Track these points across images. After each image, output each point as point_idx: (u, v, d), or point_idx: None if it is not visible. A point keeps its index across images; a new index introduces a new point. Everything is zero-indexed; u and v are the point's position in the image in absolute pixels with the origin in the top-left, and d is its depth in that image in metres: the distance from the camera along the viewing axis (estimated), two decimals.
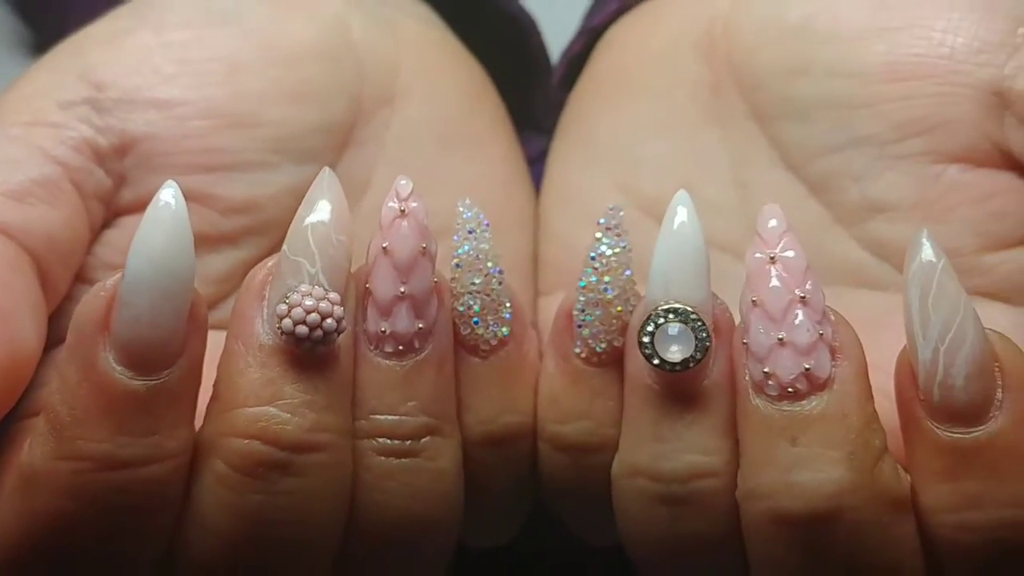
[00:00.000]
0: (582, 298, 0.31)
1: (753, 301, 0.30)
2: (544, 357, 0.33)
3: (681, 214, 0.30)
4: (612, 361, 0.32)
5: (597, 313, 0.31)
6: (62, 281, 0.33)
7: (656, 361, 0.30)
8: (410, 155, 0.37)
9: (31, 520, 0.29)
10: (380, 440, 0.30)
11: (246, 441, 0.29)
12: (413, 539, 0.31)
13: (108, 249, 0.34)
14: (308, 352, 0.29)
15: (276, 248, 0.34)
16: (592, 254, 0.31)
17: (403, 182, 0.31)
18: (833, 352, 0.29)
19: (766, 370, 0.29)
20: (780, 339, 0.29)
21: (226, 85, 0.34)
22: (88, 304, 0.28)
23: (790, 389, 0.29)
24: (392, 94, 0.38)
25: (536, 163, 0.42)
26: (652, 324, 0.30)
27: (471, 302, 0.31)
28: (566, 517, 0.35)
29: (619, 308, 0.31)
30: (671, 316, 0.30)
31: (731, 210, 0.37)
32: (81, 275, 0.34)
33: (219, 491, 0.29)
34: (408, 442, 0.30)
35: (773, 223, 0.30)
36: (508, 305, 0.32)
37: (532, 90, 0.43)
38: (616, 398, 0.32)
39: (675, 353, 0.30)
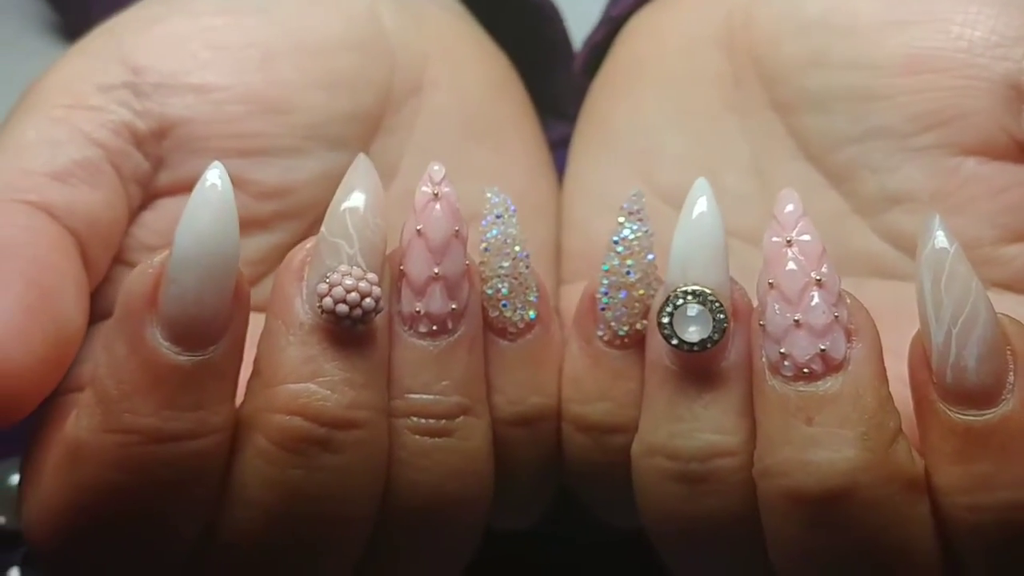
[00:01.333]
0: (605, 281, 0.33)
1: (770, 283, 0.31)
2: (568, 340, 0.34)
3: (700, 199, 0.32)
4: (634, 344, 0.33)
5: (620, 296, 0.33)
6: (102, 262, 0.34)
7: (675, 341, 0.31)
8: (437, 144, 0.39)
9: (77, 492, 0.30)
10: (415, 419, 0.32)
11: (287, 417, 0.30)
12: (445, 518, 0.32)
13: (145, 231, 0.35)
14: (347, 331, 0.30)
15: (308, 233, 0.36)
16: (615, 238, 0.33)
17: (436, 167, 0.32)
18: (848, 334, 0.30)
19: (782, 351, 0.30)
20: (796, 320, 0.30)
21: (261, 71, 0.36)
22: (136, 281, 0.30)
23: (805, 370, 0.30)
24: (420, 84, 0.39)
25: (557, 149, 0.43)
26: (671, 305, 0.31)
27: (499, 285, 0.33)
28: (588, 498, 0.36)
29: (641, 291, 0.33)
30: (689, 297, 0.31)
31: (750, 200, 0.38)
32: (119, 256, 0.35)
33: (260, 466, 0.30)
34: (443, 421, 0.32)
35: (790, 208, 0.31)
36: (535, 288, 0.33)
37: (554, 77, 0.44)
38: (637, 380, 0.33)
39: (693, 333, 0.31)
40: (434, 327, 0.32)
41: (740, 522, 0.32)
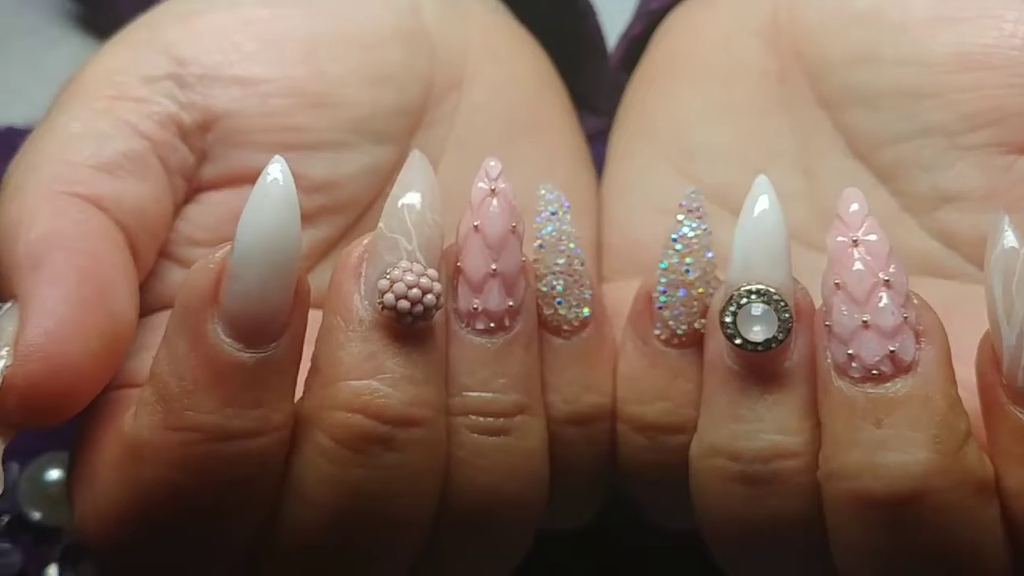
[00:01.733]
0: (663, 280, 0.33)
1: (836, 284, 0.30)
2: (622, 339, 0.34)
3: (762, 196, 0.31)
4: (692, 343, 0.33)
5: (679, 295, 0.32)
6: (149, 255, 0.34)
7: (738, 341, 0.31)
8: (477, 139, 0.38)
9: (135, 491, 0.30)
10: (473, 418, 0.31)
11: (349, 414, 0.29)
12: (501, 519, 0.32)
13: (189, 225, 0.35)
14: (408, 327, 0.30)
15: (352, 228, 0.36)
16: (674, 236, 0.33)
17: (492, 163, 0.32)
18: (917, 335, 0.30)
19: (850, 352, 0.30)
20: (864, 321, 0.30)
21: (306, 64, 0.35)
22: (197, 276, 0.29)
23: (874, 371, 0.30)
24: (461, 78, 0.39)
25: (590, 143, 0.43)
26: (735, 304, 0.31)
27: (554, 282, 0.32)
28: (642, 499, 0.36)
29: (700, 290, 0.32)
30: (754, 296, 0.31)
31: (797, 198, 0.38)
32: (163, 251, 0.35)
33: (321, 465, 0.30)
34: (501, 420, 0.31)
35: (855, 207, 0.31)
36: (589, 286, 0.33)
37: (587, 71, 0.44)
38: (695, 380, 0.33)
39: (758, 333, 0.31)
40: (491, 324, 0.31)
41: (802, 524, 0.31)
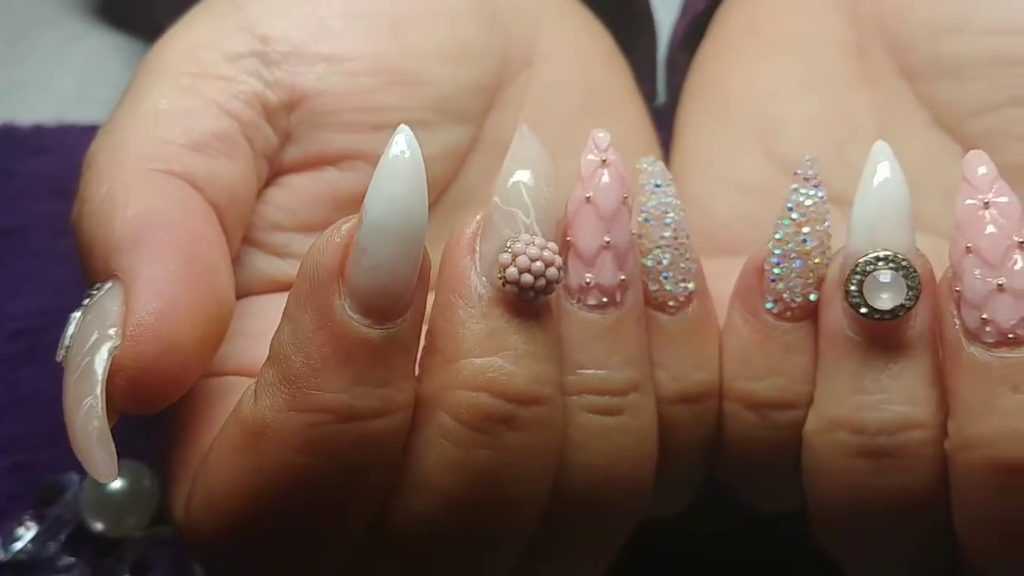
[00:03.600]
0: (778, 251, 0.32)
1: (968, 247, 0.30)
2: (728, 315, 0.34)
3: (883, 163, 0.31)
4: (805, 316, 0.32)
5: (795, 266, 0.32)
6: (237, 238, 0.33)
7: (864, 310, 0.31)
8: (549, 117, 0.38)
9: (257, 477, 0.29)
10: (588, 397, 0.31)
11: (473, 393, 0.29)
12: (613, 501, 0.31)
13: (271, 208, 0.34)
14: (529, 302, 0.29)
15: (435, 209, 0.35)
16: (789, 204, 0.32)
17: (600, 134, 0.31)
18: None
19: (984, 316, 0.30)
20: (999, 285, 0.30)
21: (393, 40, 0.35)
22: (322, 251, 0.29)
23: (1011, 335, 0.30)
24: (532, 56, 0.38)
25: None
26: (860, 273, 0.31)
27: (661, 256, 0.32)
28: (743, 482, 0.35)
29: (817, 260, 0.32)
30: (880, 264, 0.31)
31: None
32: (244, 235, 0.34)
33: (444, 446, 0.29)
34: (615, 399, 0.31)
35: (982, 169, 0.31)
36: (693, 259, 0.33)
37: (637, 51, 0.43)
38: (809, 353, 0.32)
39: (886, 300, 0.30)
40: (604, 299, 0.31)
41: (926, 498, 0.31)
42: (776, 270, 0.32)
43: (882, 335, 0.31)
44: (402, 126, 0.29)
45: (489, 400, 0.29)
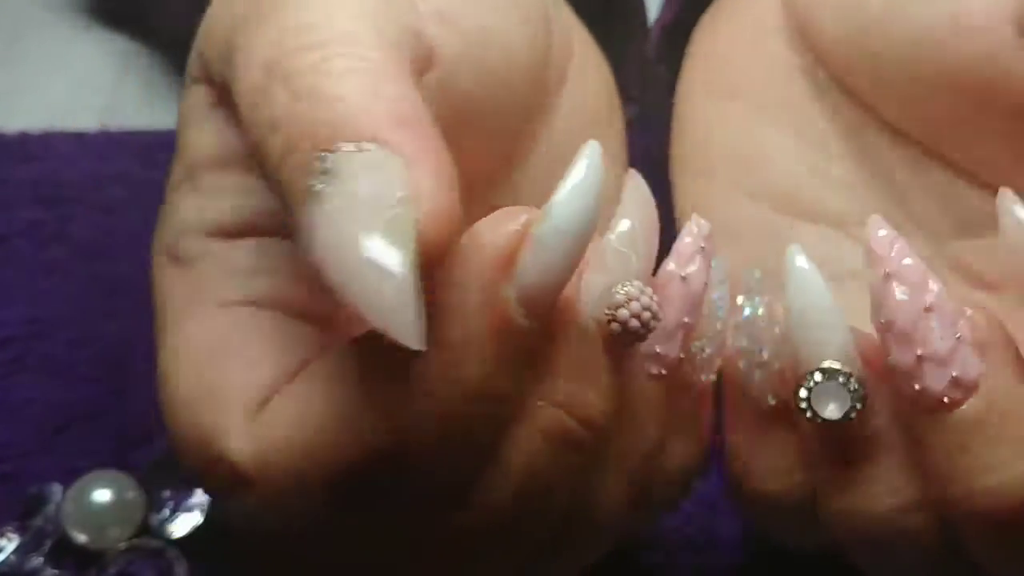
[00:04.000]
0: (741, 362, 0.34)
1: (883, 323, 0.30)
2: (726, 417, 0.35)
3: (798, 270, 0.31)
4: (788, 411, 0.33)
5: (758, 375, 0.33)
6: None
7: (820, 420, 0.31)
8: (575, 123, 0.39)
9: (372, 424, 0.29)
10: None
11: (562, 413, 0.30)
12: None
13: None
14: (624, 344, 0.31)
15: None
16: (738, 321, 0.34)
17: (702, 221, 0.33)
18: (976, 348, 0.30)
19: (916, 387, 0.30)
20: (919, 355, 0.30)
21: None
22: (499, 235, 0.29)
23: (945, 399, 0.30)
24: (571, 54, 0.39)
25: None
26: (804, 389, 0.31)
27: (705, 346, 0.34)
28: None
29: (777, 365, 0.33)
30: (818, 377, 0.31)
31: (859, 187, 0.38)
32: None
33: (521, 452, 0.30)
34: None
35: (882, 232, 0.31)
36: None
37: (625, 57, 0.44)
38: (798, 443, 0.33)
39: (833, 411, 0.31)
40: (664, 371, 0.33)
41: (941, 554, 0.32)
42: (745, 378, 0.33)
43: (848, 434, 0.32)
44: (591, 141, 0.30)
45: (572, 424, 0.30)
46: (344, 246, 0.26)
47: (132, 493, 0.40)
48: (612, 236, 0.31)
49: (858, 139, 0.38)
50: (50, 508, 0.40)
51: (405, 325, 0.26)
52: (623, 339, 0.31)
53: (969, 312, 0.31)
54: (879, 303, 0.30)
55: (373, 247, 0.26)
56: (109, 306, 0.44)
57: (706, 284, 0.33)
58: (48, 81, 0.46)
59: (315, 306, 0.33)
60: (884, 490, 0.32)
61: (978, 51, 0.34)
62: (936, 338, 0.30)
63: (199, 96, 0.33)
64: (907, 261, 0.30)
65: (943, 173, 0.37)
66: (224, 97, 0.32)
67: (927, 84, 0.36)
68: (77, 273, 0.44)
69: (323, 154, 0.27)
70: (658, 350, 0.32)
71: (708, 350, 0.33)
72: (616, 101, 0.42)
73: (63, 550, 0.39)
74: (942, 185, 0.36)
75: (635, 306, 0.30)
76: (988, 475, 0.30)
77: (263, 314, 0.32)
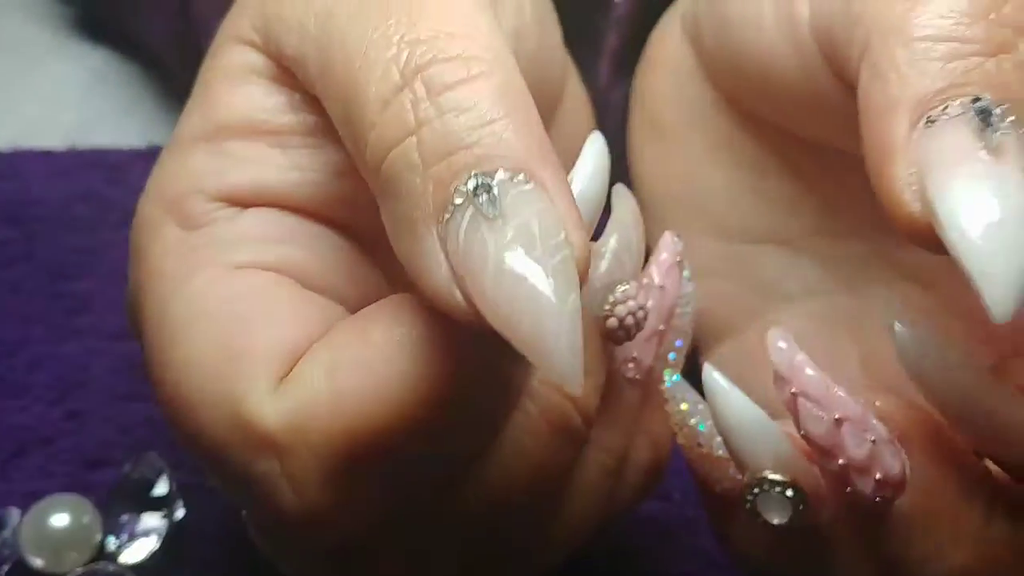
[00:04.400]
0: (690, 455, 0.33)
1: (803, 435, 0.30)
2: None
3: (719, 391, 0.31)
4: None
5: (706, 466, 0.33)
6: None
7: (770, 525, 0.31)
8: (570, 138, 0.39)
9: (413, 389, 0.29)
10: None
11: (564, 399, 0.31)
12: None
13: None
14: (615, 341, 0.32)
15: None
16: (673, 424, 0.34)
17: (675, 237, 0.34)
18: (896, 442, 0.30)
19: (848, 490, 0.30)
20: (841, 464, 0.30)
21: None
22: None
23: (877, 500, 0.30)
24: (568, 72, 0.40)
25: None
26: (747, 501, 0.31)
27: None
28: None
29: (719, 453, 0.32)
30: (756, 491, 0.31)
31: (801, 200, 0.39)
32: None
33: (522, 432, 0.30)
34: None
35: (782, 344, 0.30)
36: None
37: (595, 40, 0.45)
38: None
39: (778, 517, 0.31)
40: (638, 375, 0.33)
41: None
42: (693, 466, 0.33)
43: (800, 528, 0.31)
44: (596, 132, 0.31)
45: (572, 412, 0.31)
46: (517, 282, 0.26)
47: (88, 518, 0.39)
48: (612, 238, 0.32)
49: (783, 155, 0.39)
50: (7, 532, 0.39)
51: (571, 367, 0.26)
52: (616, 335, 0.31)
53: (878, 403, 0.30)
54: (795, 420, 0.30)
55: (548, 286, 0.26)
56: (69, 325, 0.43)
57: (679, 296, 0.33)
58: (17, 98, 0.46)
59: (329, 278, 0.32)
60: (844, 574, 0.32)
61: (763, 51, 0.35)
62: (852, 446, 0.29)
63: (244, 58, 0.32)
64: (809, 373, 0.30)
65: (859, 174, 0.37)
66: (284, 74, 0.32)
67: (770, 93, 0.36)
68: (40, 292, 0.43)
69: (479, 176, 0.27)
70: (635, 355, 0.33)
71: (672, 356, 0.34)
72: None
73: (20, 574, 0.38)
74: (863, 184, 0.36)
75: (632, 304, 0.31)
76: (931, 565, 0.30)
77: (282, 279, 0.31)
